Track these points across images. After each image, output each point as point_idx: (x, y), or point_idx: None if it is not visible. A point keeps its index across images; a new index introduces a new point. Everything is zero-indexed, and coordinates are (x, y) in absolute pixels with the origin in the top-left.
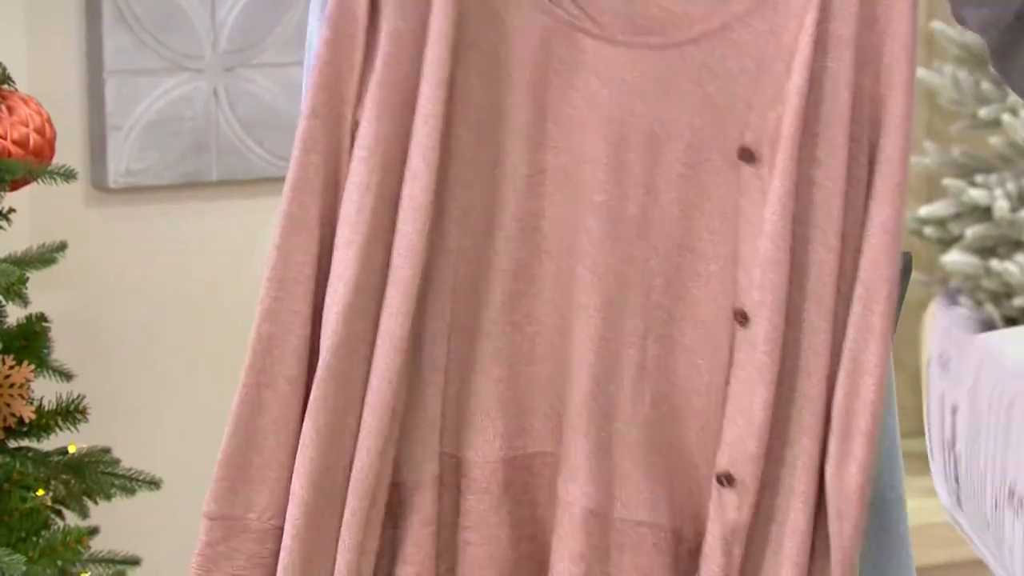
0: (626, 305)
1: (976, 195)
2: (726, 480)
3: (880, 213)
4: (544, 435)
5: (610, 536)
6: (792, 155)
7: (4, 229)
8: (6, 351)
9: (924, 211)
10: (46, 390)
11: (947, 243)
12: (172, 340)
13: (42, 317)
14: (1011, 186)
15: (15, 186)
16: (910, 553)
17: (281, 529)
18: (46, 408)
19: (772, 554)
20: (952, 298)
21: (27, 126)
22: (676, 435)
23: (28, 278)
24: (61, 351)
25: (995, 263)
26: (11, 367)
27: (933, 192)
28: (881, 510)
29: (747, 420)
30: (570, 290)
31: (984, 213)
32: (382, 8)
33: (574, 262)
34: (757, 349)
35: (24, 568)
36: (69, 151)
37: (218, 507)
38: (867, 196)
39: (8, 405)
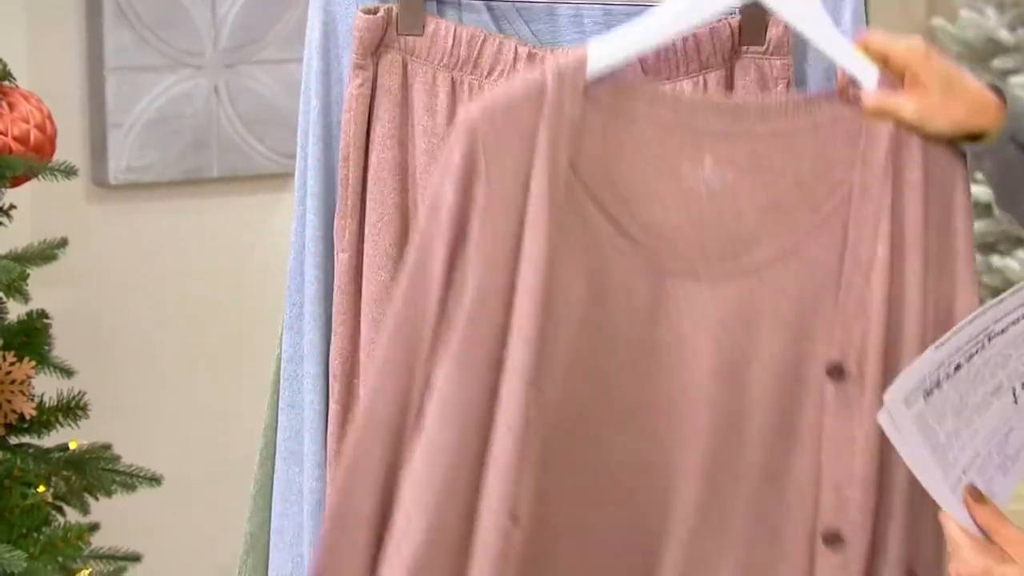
0: (709, 534)
1: (977, 191)
2: None
3: None
4: None
5: None
6: (883, 368)
7: (5, 225)
8: (7, 348)
9: None
10: (47, 386)
11: None
12: (173, 337)
13: (43, 314)
14: None
15: (16, 182)
16: None
17: None
18: (47, 404)
19: None
20: None
21: (28, 122)
22: None
23: (29, 275)
24: (62, 348)
25: (996, 259)
26: (12, 364)
27: None
28: None
29: None
30: (663, 520)
31: (985, 209)
32: (467, 265)
33: (665, 497)
34: (849, 571)
35: (25, 564)
36: (70, 148)
37: None
38: None
39: (9, 401)
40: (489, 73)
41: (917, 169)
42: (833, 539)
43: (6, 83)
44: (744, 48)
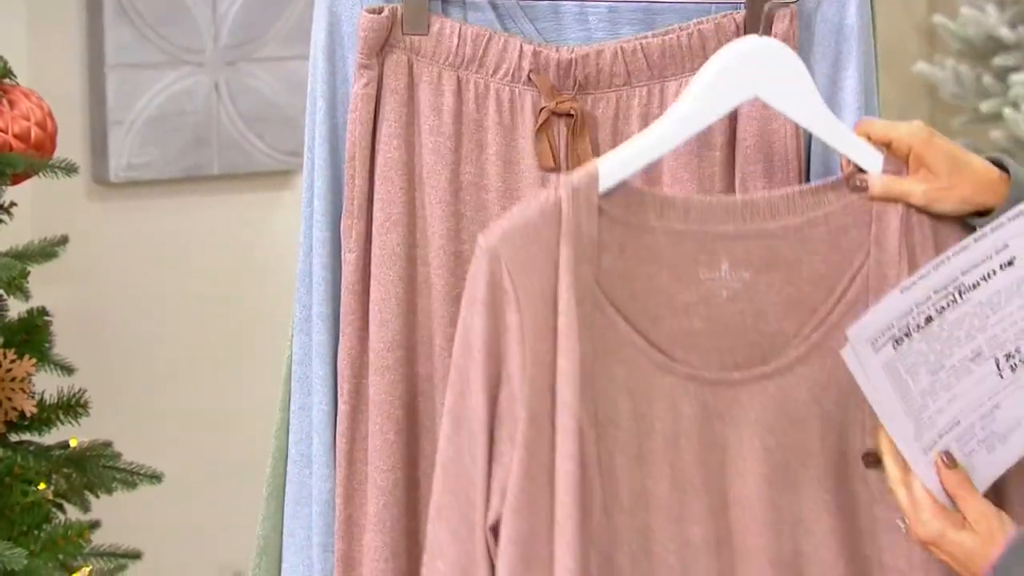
0: None
1: None
2: None
3: None
4: None
5: None
6: None
7: (5, 223)
8: (7, 345)
9: None
10: (47, 384)
11: None
12: (173, 334)
13: (43, 311)
14: None
15: (16, 180)
16: None
17: None
18: (47, 402)
19: None
20: None
21: (28, 120)
22: None
23: (29, 272)
24: (62, 345)
25: None
26: (12, 361)
27: None
28: None
29: None
30: None
31: None
32: (513, 394)
33: None
34: None
35: (25, 562)
36: (70, 145)
37: None
38: None
39: (9, 399)
40: (495, 72)
41: (930, 248)
42: None
43: (7, 80)
44: None
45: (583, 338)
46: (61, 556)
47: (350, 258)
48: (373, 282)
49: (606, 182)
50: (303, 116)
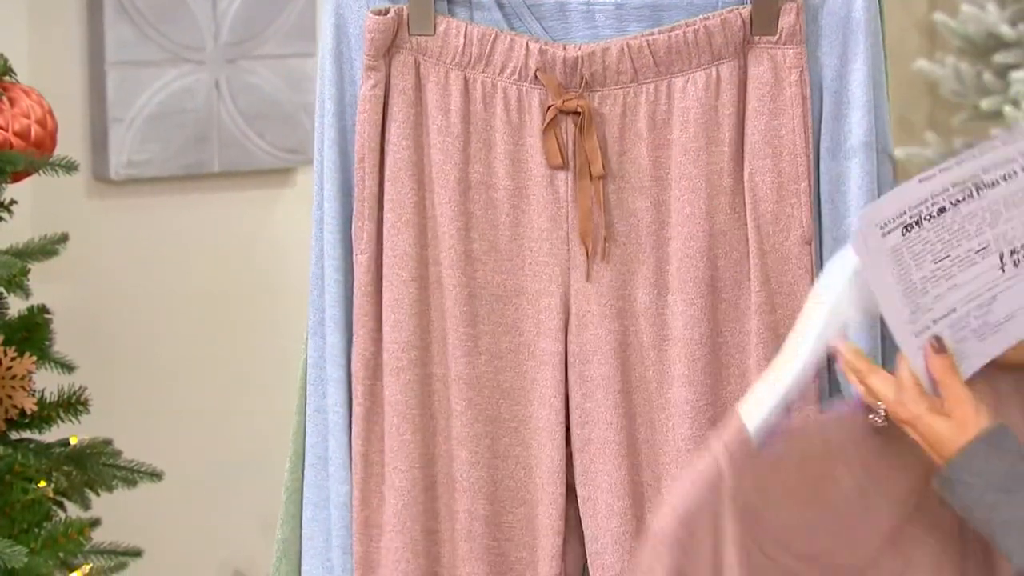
0: None
1: None
2: None
3: None
4: None
5: None
6: None
7: (6, 221)
8: (8, 343)
9: None
10: (48, 382)
11: None
12: (174, 332)
13: (44, 309)
14: None
15: (17, 178)
16: None
17: None
18: (48, 400)
19: None
20: None
21: (29, 118)
22: None
23: (30, 270)
24: (63, 343)
25: None
26: (13, 359)
27: None
28: None
29: None
30: None
31: None
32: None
33: None
34: None
35: (26, 559)
36: (71, 143)
37: None
38: None
39: (10, 397)
40: (501, 71)
41: None
42: None
43: (7, 78)
44: (756, 38)
45: None
46: (61, 554)
47: (362, 260)
48: (385, 283)
49: (752, 426)
50: (303, 113)
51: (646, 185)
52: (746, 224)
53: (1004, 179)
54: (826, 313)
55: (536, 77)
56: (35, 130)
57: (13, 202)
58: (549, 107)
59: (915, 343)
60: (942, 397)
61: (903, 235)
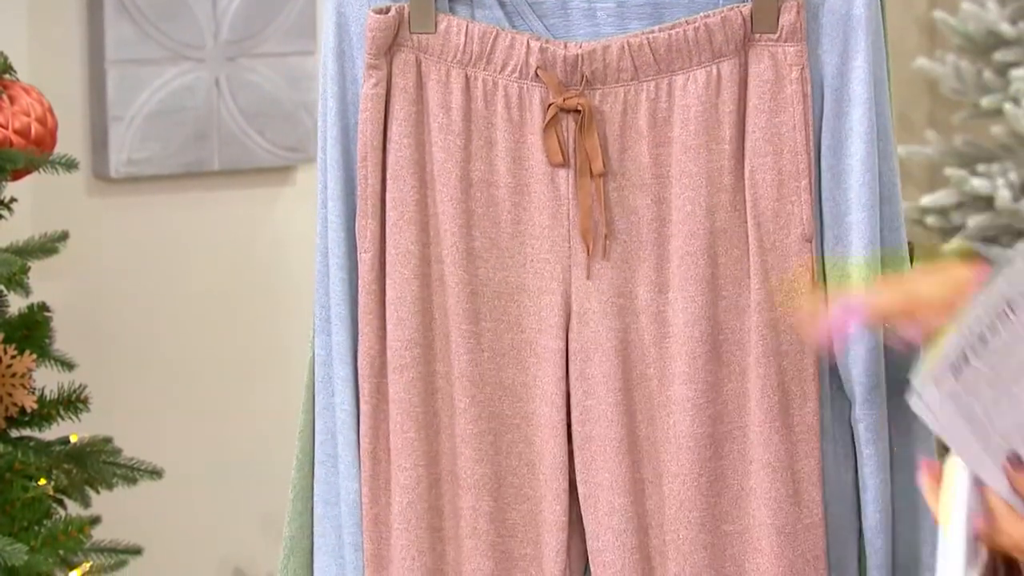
0: None
1: (978, 184)
2: None
3: None
4: None
5: None
6: None
7: (5, 219)
8: (8, 341)
9: (926, 200)
10: (48, 380)
11: (949, 232)
12: (174, 330)
13: (44, 307)
14: (1013, 175)
15: (17, 176)
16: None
17: None
18: (48, 398)
19: None
20: None
21: (29, 116)
22: None
23: (30, 268)
24: (63, 341)
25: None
26: (13, 357)
27: (935, 182)
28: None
29: None
30: None
31: (986, 202)
32: None
33: None
34: None
35: (26, 557)
36: (71, 141)
37: None
38: None
39: (10, 395)
40: (502, 69)
41: None
42: None
43: (7, 76)
44: (757, 35)
45: None
46: (61, 552)
47: (365, 258)
48: (388, 281)
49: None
50: (304, 112)
51: (647, 183)
52: (746, 221)
53: None
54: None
55: (537, 75)
56: (35, 128)
57: (13, 200)
58: (550, 105)
59: (995, 469)
60: None
61: (956, 379)
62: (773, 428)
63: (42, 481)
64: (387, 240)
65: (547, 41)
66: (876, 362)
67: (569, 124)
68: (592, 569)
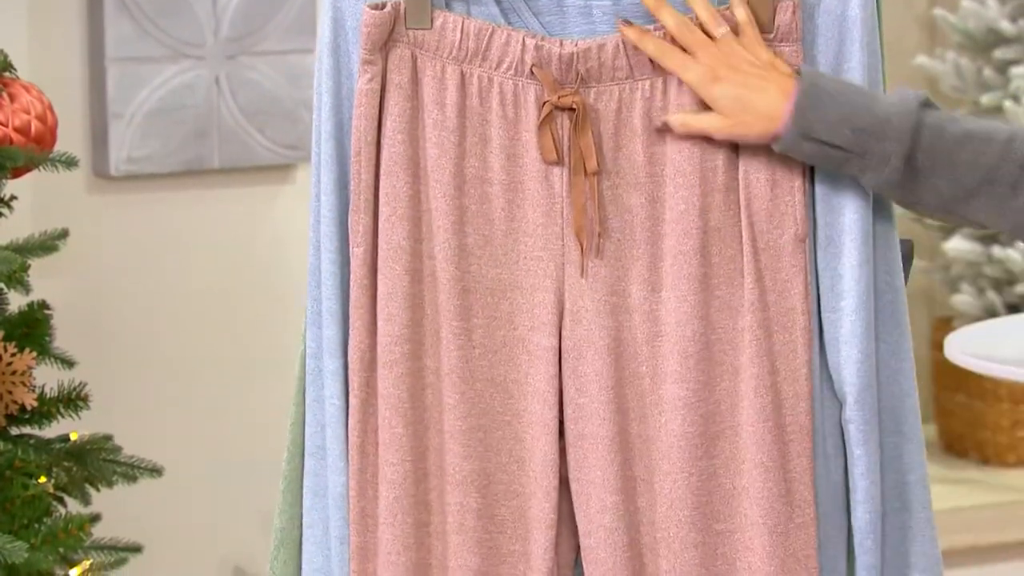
0: None
1: None
2: None
3: None
4: None
5: None
6: None
7: (5, 216)
8: (8, 338)
9: None
10: (48, 377)
11: (949, 230)
12: (174, 328)
13: (44, 304)
14: None
15: (17, 173)
16: (935, 536)
17: None
18: (48, 395)
19: None
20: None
21: (29, 113)
22: None
23: (30, 265)
24: (63, 338)
25: (997, 250)
26: (13, 354)
27: None
28: (903, 492)
29: None
30: None
31: None
32: None
33: None
34: None
35: (26, 555)
36: (71, 139)
37: None
38: None
39: (10, 392)
40: (498, 66)
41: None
42: None
43: (7, 74)
44: None
45: None
46: (61, 549)
47: (358, 252)
48: (380, 276)
49: None
50: (304, 109)
51: (641, 181)
52: (740, 221)
53: None
54: None
55: (532, 72)
56: (35, 126)
57: (13, 198)
58: (545, 103)
59: None
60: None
61: None
62: (765, 428)
63: (42, 479)
64: (379, 235)
65: (543, 39)
66: (867, 363)
67: (564, 122)
68: (584, 566)
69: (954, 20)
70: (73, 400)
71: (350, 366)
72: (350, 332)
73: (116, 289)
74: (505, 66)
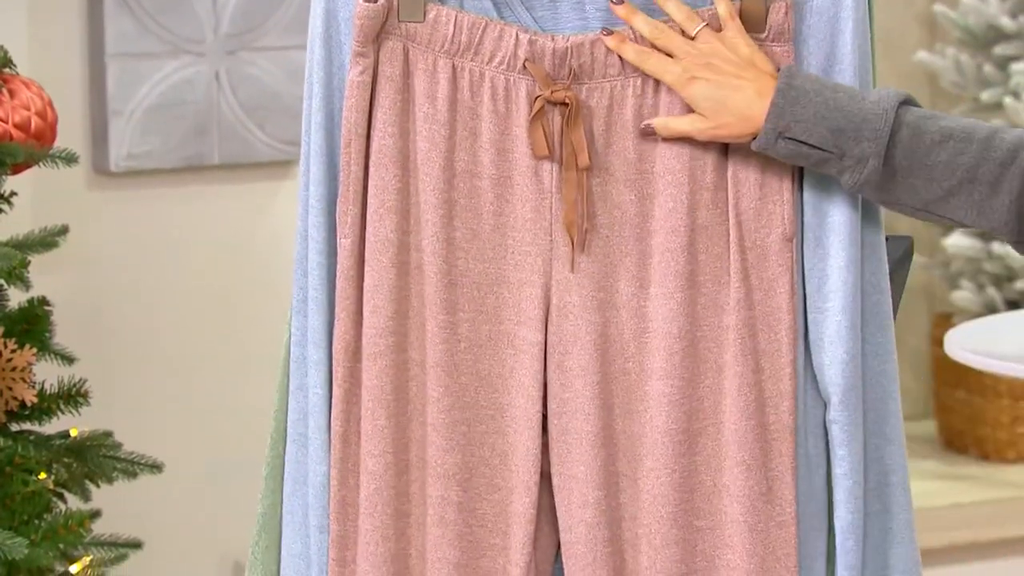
0: None
1: None
2: None
3: None
4: None
5: None
6: None
7: (6, 213)
8: (8, 335)
9: None
10: (48, 373)
11: (948, 227)
12: (174, 324)
13: (44, 301)
14: None
15: (17, 170)
16: (914, 538)
17: None
18: (48, 392)
19: None
20: None
21: (29, 110)
22: None
23: (30, 262)
24: (63, 335)
25: (996, 246)
26: (13, 351)
27: None
28: (884, 494)
29: None
30: None
31: None
32: None
33: None
34: None
35: (26, 551)
36: (71, 135)
37: None
38: None
39: (10, 388)
40: (490, 60)
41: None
42: None
43: (7, 70)
44: None
45: None
46: (62, 545)
47: (345, 244)
48: (366, 268)
49: None
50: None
51: (631, 178)
52: (728, 220)
53: None
54: None
55: (524, 67)
56: (35, 122)
57: (13, 194)
58: (536, 98)
59: None
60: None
61: None
62: (748, 426)
63: (42, 475)
64: (367, 227)
65: (535, 33)
66: (852, 364)
67: (555, 117)
68: (564, 561)
69: (954, 16)
70: (73, 396)
71: (334, 357)
72: (335, 323)
73: (116, 285)
74: (497, 60)
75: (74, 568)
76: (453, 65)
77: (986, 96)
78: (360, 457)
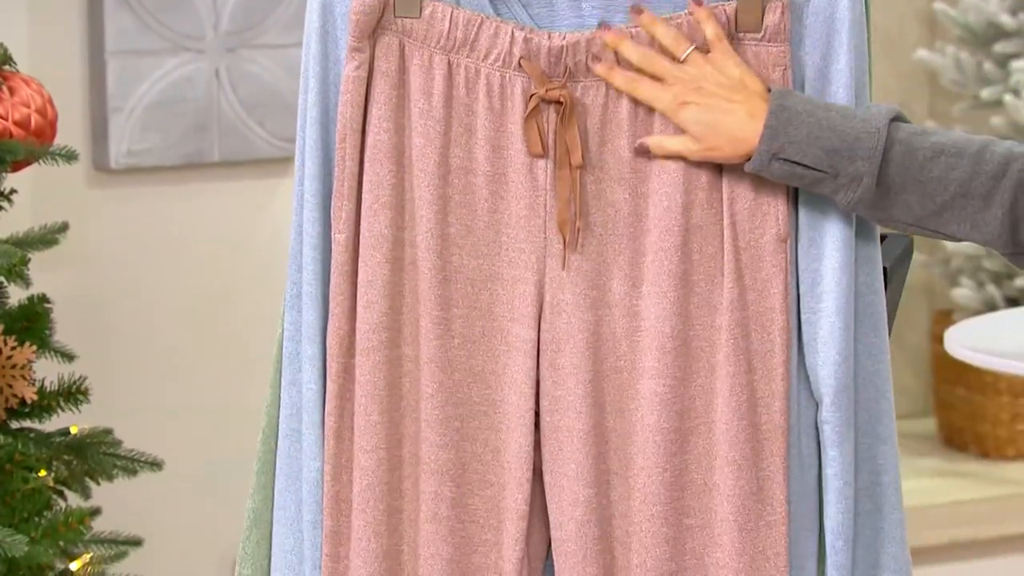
0: None
1: None
2: None
3: None
4: None
5: None
6: None
7: (5, 210)
8: (8, 332)
9: None
10: (48, 371)
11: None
12: (174, 321)
13: (44, 298)
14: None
15: (16, 167)
16: (905, 537)
17: None
18: (48, 389)
19: None
20: None
21: (28, 107)
22: None
23: (30, 259)
24: (63, 332)
25: None
26: (13, 348)
27: None
28: (876, 494)
29: None
30: None
31: None
32: None
33: None
34: None
35: (26, 548)
36: (71, 132)
37: None
38: None
39: (10, 386)
40: (486, 57)
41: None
42: None
43: (7, 68)
44: (741, 35)
45: None
46: (62, 543)
47: (340, 239)
48: (361, 263)
49: None
50: None
51: (625, 177)
52: (722, 220)
53: None
54: None
55: (520, 65)
56: (35, 119)
57: (13, 191)
58: (532, 95)
59: None
60: None
61: None
62: (740, 426)
63: (42, 472)
64: (362, 223)
65: (531, 31)
66: (845, 365)
67: (550, 115)
68: (554, 558)
69: (954, 14)
70: (73, 394)
71: (328, 352)
72: (330, 318)
73: (116, 283)
74: (493, 57)
75: (74, 565)
76: (449, 61)
77: (986, 94)
78: (353, 453)
